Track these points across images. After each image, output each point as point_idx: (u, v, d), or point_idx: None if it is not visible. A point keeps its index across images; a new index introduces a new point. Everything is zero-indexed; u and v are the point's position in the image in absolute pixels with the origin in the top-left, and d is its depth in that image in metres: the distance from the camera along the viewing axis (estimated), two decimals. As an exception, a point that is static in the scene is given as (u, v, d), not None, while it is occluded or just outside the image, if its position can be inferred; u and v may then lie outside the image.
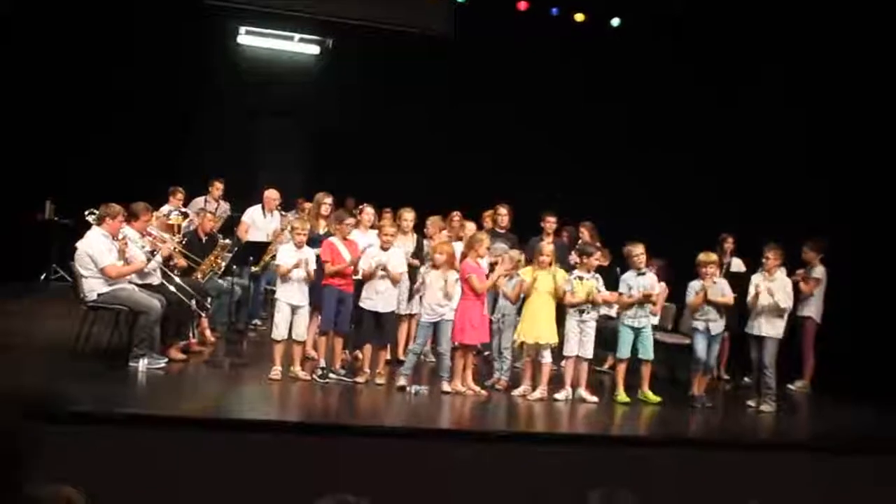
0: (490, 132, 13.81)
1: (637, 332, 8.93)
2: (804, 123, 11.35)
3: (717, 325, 9.00)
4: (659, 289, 9.23)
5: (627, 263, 9.13)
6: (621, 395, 8.80)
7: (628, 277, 9.04)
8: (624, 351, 8.93)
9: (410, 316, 9.66)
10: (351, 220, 9.04)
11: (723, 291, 9.00)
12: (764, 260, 9.16)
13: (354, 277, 8.75)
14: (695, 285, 9.03)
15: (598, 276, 8.95)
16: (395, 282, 8.70)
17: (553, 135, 13.75)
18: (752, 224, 10.69)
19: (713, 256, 9.24)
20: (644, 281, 8.99)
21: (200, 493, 5.66)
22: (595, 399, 8.70)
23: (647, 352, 8.96)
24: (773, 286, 9.07)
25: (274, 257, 9.23)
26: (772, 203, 11.22)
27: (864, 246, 10.39)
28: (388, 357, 9.13)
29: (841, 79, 10.90)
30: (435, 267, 8.53)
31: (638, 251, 9.04)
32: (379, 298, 8.64)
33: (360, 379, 8.59)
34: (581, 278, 8.82)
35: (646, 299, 8.89)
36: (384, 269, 8.61)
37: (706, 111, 12.24)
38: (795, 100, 11.53)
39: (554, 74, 13.66)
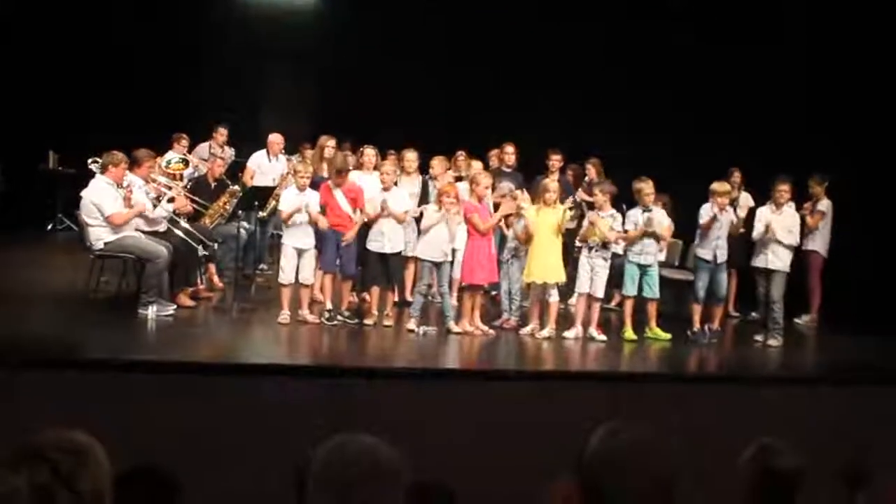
0: (494, 70, 13.65)
1: (643, 269, 8.90)
2: (806, 56, 11.23)
3: (723, 253, 8.98)
4: (667, 223, 9.18)
5: (636, 200, 9.07)
6: (629, 333, 8.80)
7: (634, 214, 8.96)
8: (630, 288, 8.89)
9: (417, 257, 9.67)
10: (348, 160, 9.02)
11: (727, 226, 8.98)
12: (778, 194, 9.10)
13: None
14: (707, 208, 8.97)
15: (615, 214, 8.88)
16: (399, 221, 8.68)
17: (558, 72, 13.56)
18: (755, 158, 10.62)
19: (727, 187, 9.20)
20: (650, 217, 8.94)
21: (211, 437, 5.72)
22: (604, 338, 8.70)
23: (654, 290, 8.92)
24: (781, 220, 9.04)
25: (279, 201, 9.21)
26: (774, 136, 11.12)
27: (870, 178, 10.33)
28: (396, 299, 9.14)
29: (843, 12, 10.78)
30: (443, 208, 8.49)
31: (648, 188, 8.96)
32: (385, 240, 8.63)
33: (368, 321, 8.61)
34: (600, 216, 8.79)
35: (646, 234, 8.84)
36: (384, 206, 8.60)
37: (710, 44, 12.06)
38: (797, 32, 11.38)
39: (560, 11, 13.43)
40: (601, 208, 8.90)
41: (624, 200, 9.90)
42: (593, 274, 8.72)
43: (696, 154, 11.43)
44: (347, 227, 8.66)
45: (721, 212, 8.91)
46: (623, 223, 8.96)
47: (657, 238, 8.95)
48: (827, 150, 10.53)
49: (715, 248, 8.93)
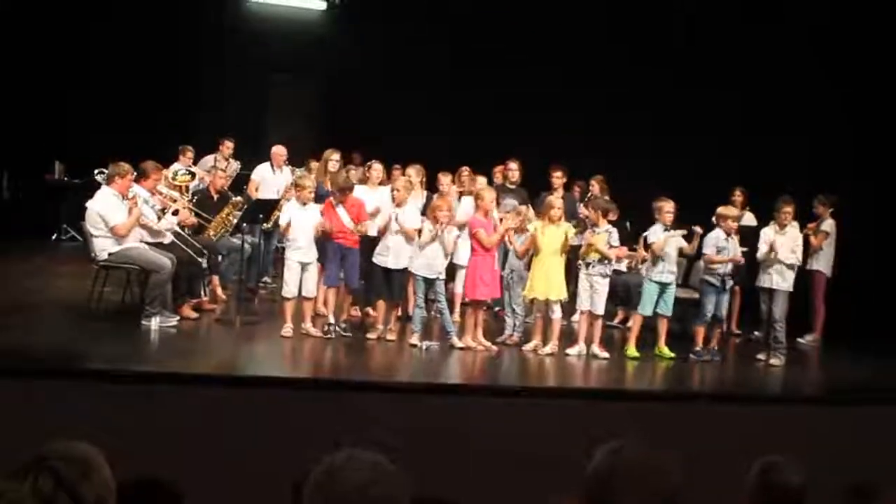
0: (501, 88, 13.66)
1: (663, 288, 8.87)
2: (801, 71, 11.25)
3: (730, 279, 8.98)
4: (683, 242, 9.18)
5: (657, 218, 8.98)
6: (631, 350, 8.78)
7: (656, 231, 8.93)
8: (647, 308, 8.84)
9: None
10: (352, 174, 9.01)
11: (735, 251, 8.97)
12: (782, 215, 9.08)
13: (370, 234, 8.76)
14: (715, 237, 8.94)
15: (610, 229, 8.87)
16: (408, 238, 8.68)
17: (566, 84, 13.52)
18: (756, 178, 10.62)
19: (734, 211, 9.21)
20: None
21: (212, 449, 5.71)
22: (606, 355, 8.67)
23: (668, 308, 8.89)
24: (783, 240, 9.03)
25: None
26: (776, 157, 11.11)
27: (876, 198, 10.33)
28: (400, 314, 9.14)
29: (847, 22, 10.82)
30: (437, 223, 8.50)
31: (669, 207, 8.93)
32: (390, 254, 8.64)
33: (371, 335, 8.61)
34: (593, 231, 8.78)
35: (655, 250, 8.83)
36: (396, 223, 8.61)
37: (714, 58, 12.06)
38: (800, 43, 11.40)
39: (564, 26, 13.39)
40: (595, 224, 8.89)
41: (631, 216, 9.91)
42: (592, 291, 8.71)
43: (697, 172, 11.44)
44: (350, 241, 8.67)
45: (728, 237, 8.91)
46: (646, 241, 8.95)
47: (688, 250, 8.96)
48: (831, 169, 10.54)
49: (723, 273, 8.92)
